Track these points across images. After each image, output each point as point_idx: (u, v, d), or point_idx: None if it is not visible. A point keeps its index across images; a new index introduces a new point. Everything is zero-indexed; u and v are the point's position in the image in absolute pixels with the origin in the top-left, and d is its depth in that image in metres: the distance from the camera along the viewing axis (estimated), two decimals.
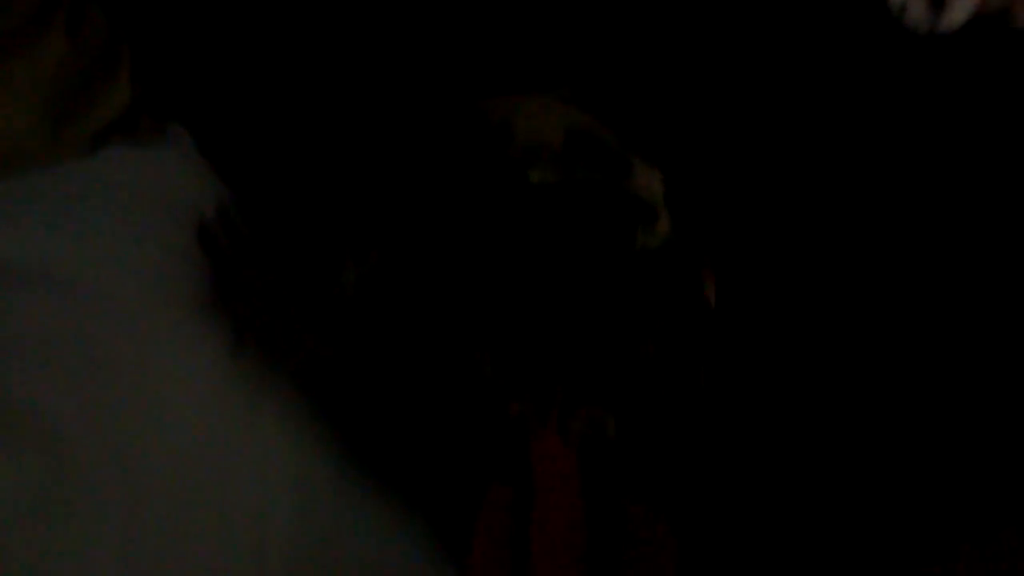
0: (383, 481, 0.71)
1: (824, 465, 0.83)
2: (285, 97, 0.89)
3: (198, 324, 0.70)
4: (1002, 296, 0.88)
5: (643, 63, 0.85)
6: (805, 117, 0.91)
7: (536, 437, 0.68)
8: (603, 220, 0.63)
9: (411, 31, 0.85)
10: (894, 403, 0.86)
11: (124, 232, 0.74)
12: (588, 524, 0.65)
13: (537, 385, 0.62)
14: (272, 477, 0.66)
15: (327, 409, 0.70)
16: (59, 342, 0.64)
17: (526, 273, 0.61)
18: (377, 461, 0.70)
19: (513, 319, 0.61)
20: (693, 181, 0.72)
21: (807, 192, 0.90)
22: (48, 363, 0.63)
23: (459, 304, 0.61)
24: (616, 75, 0.83)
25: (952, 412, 0.86)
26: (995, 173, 0.92)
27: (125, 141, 0.88)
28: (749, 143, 0.86)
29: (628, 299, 0.63)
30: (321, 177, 0.75)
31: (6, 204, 0.73)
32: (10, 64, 0.81)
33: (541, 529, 0.65)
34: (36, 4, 0.83)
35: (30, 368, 0.62)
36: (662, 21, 0.87)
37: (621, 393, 0.64)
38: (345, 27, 0.89)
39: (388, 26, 0.87)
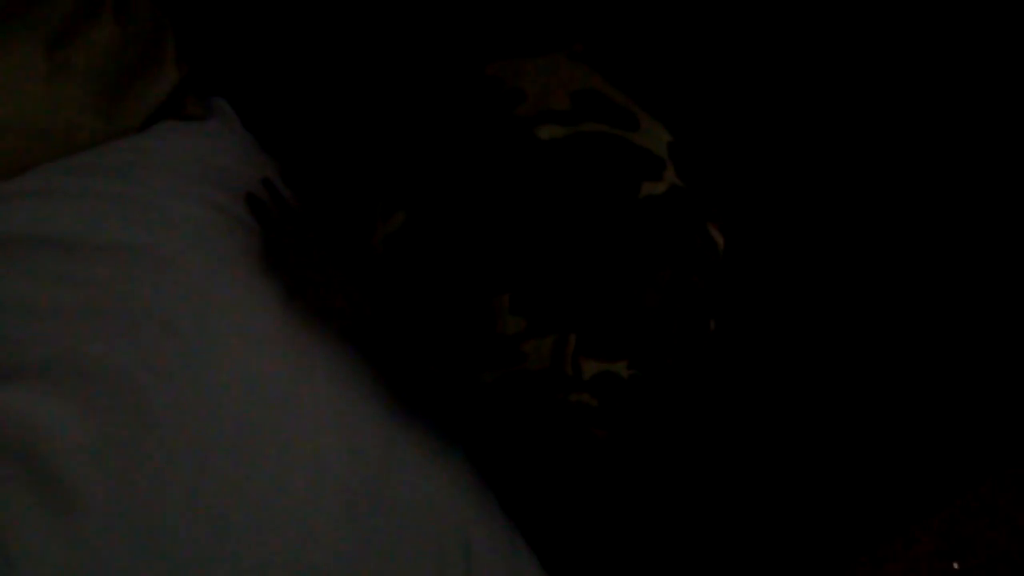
0: (424, 422, 0.76)
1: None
2: (319, 72, 0.93)
3: (251, 282, 0.75)
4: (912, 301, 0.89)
5: (651, 23, 0.86)
6: (811, 80, 0.92)
7: None
8: (608, 170, 0.66)
9: (423, 6, 0.88)
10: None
11: (178, 199, 0.78)
12: None
13: (552, 329, 0.66)
14: (323, 421, 0.70)
15: (371, 356, 0.75)
16: (126, 304, 0.69)
17: (539, 223, 0.64)
18: (416, 403, 0.75)
19: (527, 267, 0.64)
20: (701, 135, 0.74)
21: (811, 154, 0.91)
22: (118, 323, 0.68)
23: (477, 254, 0.65)
24: (625, 34, 0.86)
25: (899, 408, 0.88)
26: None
27: (173, 118, 0.93)
28: (756, 101, 0.87)
29: (636, 245, 0.66)
30: (351, 145, 0.79)
31: (67, 180, 0.78)
32: (65, 51, 0.85)
33: None
34: None
35: (102, 328, 0.67)
36: None
37: (633, 337, 0.67)
38: (365, 5, 0.92)
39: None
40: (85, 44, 0.87)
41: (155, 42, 0.94)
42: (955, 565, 1.15)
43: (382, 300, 0.71)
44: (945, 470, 0.92)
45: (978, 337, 0.91)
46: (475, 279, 0.65)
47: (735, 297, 0.82)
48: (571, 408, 0.69)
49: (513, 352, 0.67)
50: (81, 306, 0.68)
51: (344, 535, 0.66)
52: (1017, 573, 1.15)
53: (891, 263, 0.88)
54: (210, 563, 0.60)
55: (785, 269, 0.86)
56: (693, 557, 0.81)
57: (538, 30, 0.83)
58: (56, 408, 0.62)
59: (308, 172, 0.87)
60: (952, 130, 0.90)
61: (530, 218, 0.64)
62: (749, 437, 0.83)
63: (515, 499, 0.78)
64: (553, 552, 0.79)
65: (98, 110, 0.87)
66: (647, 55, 0.82)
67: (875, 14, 0.89)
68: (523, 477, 0.78)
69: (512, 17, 0.84)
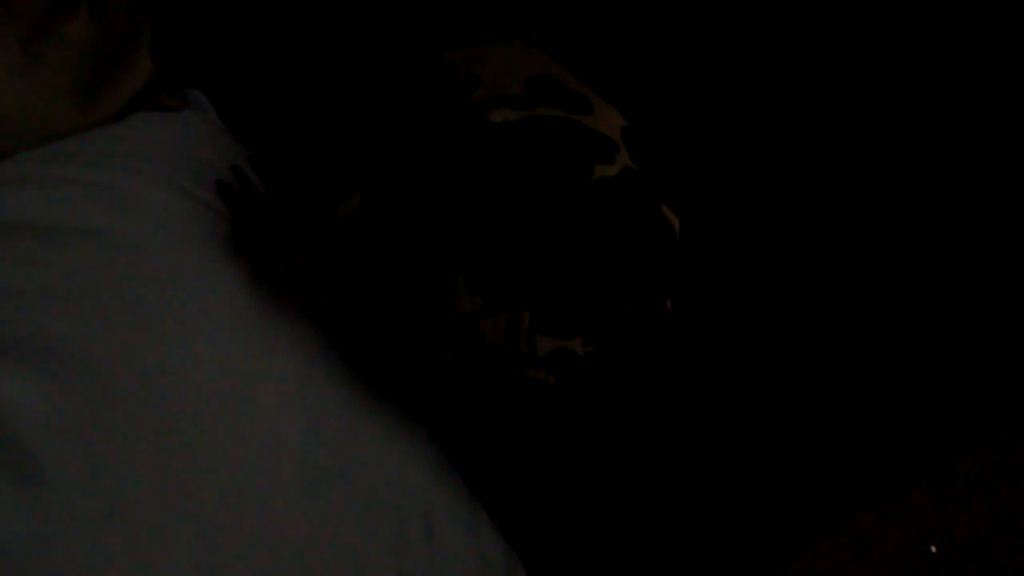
0: (386, 400, 0.78)
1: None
2: (287, 63, 0.95)
3: (217, 264, 0.76)
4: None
5: (607, 11, 0.88)
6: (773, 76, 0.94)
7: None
8: (561, 153, 0.68)
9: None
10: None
11: (150, 186, 0.80)
12: None
13: (507, 307, 0.68)
14: (285, 399, 0.72)
15: (333, 336, 0.77)
16: (93, 286, 0.71)
17: (493, 204, 0.66)
18: (378, 381, 0.77)
19: (482, 246, 0.66)
20: (655, 120, 0.76)
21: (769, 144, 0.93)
22: (84, 304, 0.69)
23: (433, 234, 0.67)
24: (582, 22, 0.88)
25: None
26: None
27: (149, 109, 0.95)
28: (711, 85, 0.89)
29: (588, 225, 0.68)
30: (315, 131, 0.82)
31: (40, 168, 0.80)
32: (40, 45, 0.87)
33: None
34: None
35: (69, 310, 0.69)
36: None
37: (587, 315, 0.69)
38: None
39: None
40: (60, 37, 0.88)
41: (130, 35, 0.96)
42: (932, 549, 1.16)
43: (343, 282, 0.73)
44: (913, 446, 0.94)
45: (945, 308, 0.92)
46: (431, 258, 0.67)
47: (692, 277, 0.84)
48: (528, 384, 0.71)
49: (470, 330, 0.69)
50: (48, 288, 0.70)
51: (304, 509, 0.67)
52: (997, 556, 1.16)
53: (848, 241, 0.90)
54: (173, 534, 0.62)
55: (742, 250, 0.88)
56: (653, 531, 0.83)
57: (496, 19, 0.86)
58: (23, 385, 0.64)
59: (277, 160, 0.89)
60: (900, 98, 0.92)
61: (484, 199, 0.66)
62: (707, 414, 0.85)
63: (477, 475, 0.80)
64: (515, 526, 0.81)
65: (73, 101, 0.89)
66: (603, 43, 0.84)
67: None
68: (484, 453, 0.80)
69: (471, 6, 0.86)
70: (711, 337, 0.88)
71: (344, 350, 0.76)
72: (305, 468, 0.69)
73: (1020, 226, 0.93)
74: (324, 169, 0.75)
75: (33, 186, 0.78)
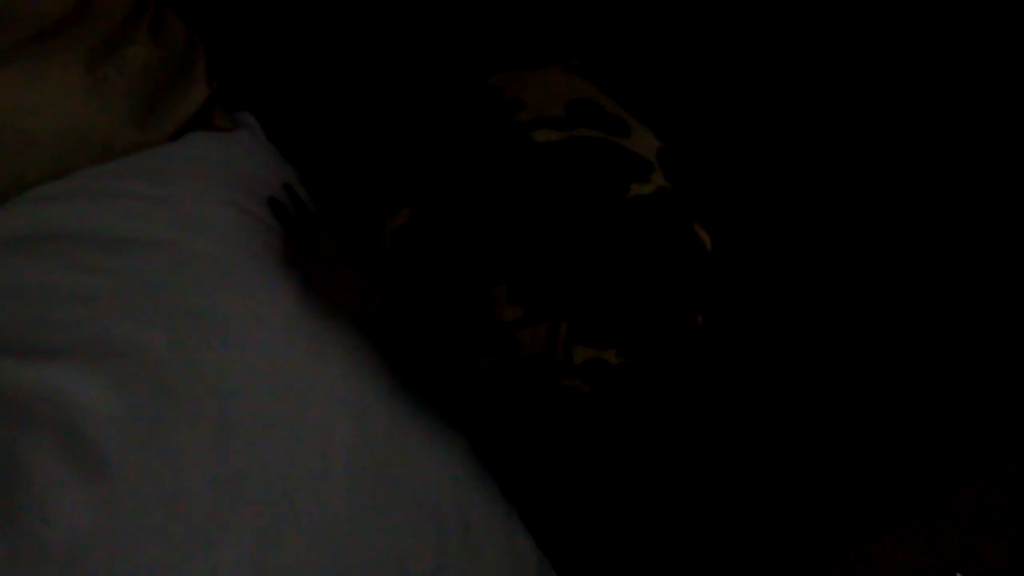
0: (428, 407, 0.82)
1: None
2: (337, 87, 1.00)
3: (270, 276, 0.81)
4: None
5: (644, 38, 0.92)
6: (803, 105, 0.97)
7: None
8: (599, 171, 0.72)
9: (439, 20, 0.95)
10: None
11: (205, 201, 0.85)
12: None
13: (545, 317, 0.71)
14: (334, 402, 0.75)
15: (379, 345, 0.81)
16: (155, 293, 0.75)
17: (533, 219, 0.70)
18: (421, 388, 0.81)
19: (522, 258, 0.70)
20: (689, 142, 0.79)
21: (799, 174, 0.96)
22: (147, 310, 0.73)
23: (477, 247, 0.71)
24: (619, 49, 0.92)
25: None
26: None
27: (203, 129, 1.01)
28: (743, 109, 0.92)
29: (623, 240, 0.71)
30: (365, 151, 0.86)
31: (105, 183, 0.85)
32: (104, 68, 0.92)
33: None
34: (125, 13, 0.95)
35: (132, 315, 0.73)
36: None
37: (621, 326, 0.73)
38: (383, 23, 1.00)
39: (420, 18, 0.97)
40: (123, 61, 0.93)
41: (187, 60, 1.02)
42: (957, 574, 1.16)
43: (390, 293, 0.77)
44: (935, 465, 0.95)
45: (973, 329, 0.94)
46: (474, 270, 0.71)
47: (724, 293, 0.87)
48: (564, 392, 0.74)
49: (510, 339, 0.72)
50: (114, 294, 0.74)
51: (350, 508, 0.71)
52: None
53: (877, 258, 0.92)
54: (231, 522, 0.65)
55: (773, 268, 0.91)
56: (686, 542, 0.85)
57: (538, 46, 0.90)
58: (90, 385, 0.68)
59: (325, 178, 0.93)
60: (935, 124, 0.94)
61: (525, 214, 0.70)
62: (738, 428, 0.88)
63: (512, 480, 0.83)
64: (547, 532, 0.84)
65: (134, 121, 0.94)
66: (640, 68, 0.88)
67: (855, 26, 0.94)
68: (519, 458, 0.83)
69: (515, 34, 0.90)
70: (741, 351, 0.90)
71: (390, 357, 0.80)
72: (352, 466, 0.73)
73: None
74: (373, 185, 0.79)
75: (99, 199, 0.83)
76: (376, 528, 0.71)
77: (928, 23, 0.93)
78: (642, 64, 0.89)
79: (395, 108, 0.87)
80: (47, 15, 0.89)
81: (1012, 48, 0.93)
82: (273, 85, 1.06)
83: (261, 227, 0.86)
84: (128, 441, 0.67)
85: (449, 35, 0.93)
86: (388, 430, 0.77)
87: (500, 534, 0.80)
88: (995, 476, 1.07)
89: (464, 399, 0.79)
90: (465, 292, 0.71)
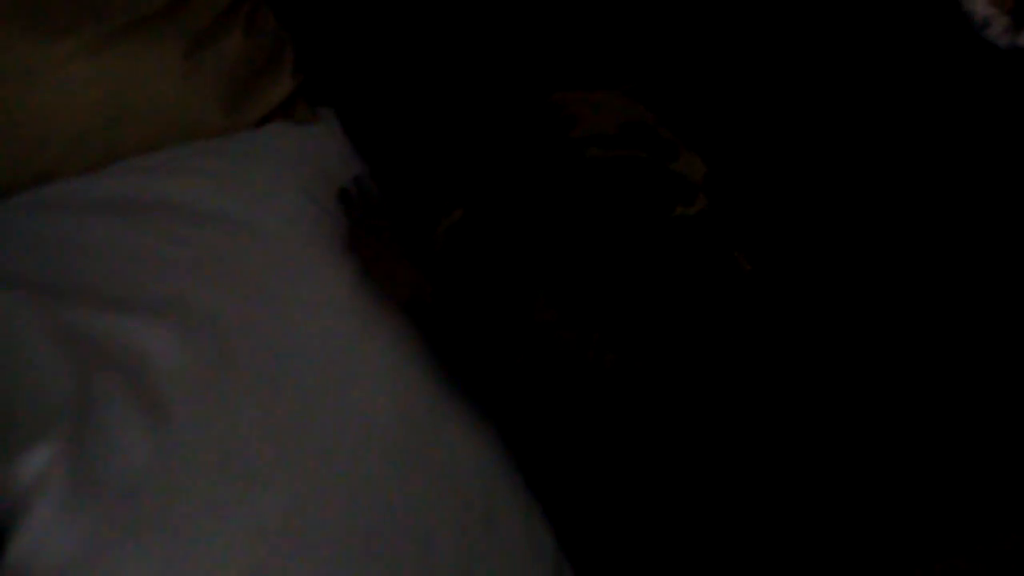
0: (464, 398, 0.87)
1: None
2: (410, 90, 1.07)
3: (332, 260, 0.87)
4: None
5: (697, 69, 0.97)
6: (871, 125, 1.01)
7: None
8: (645, 190, 0.77)
9: (505, 40, 1.02)
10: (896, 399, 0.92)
11: (281, 185, 0.92)
12: None
13: (579, 323, 0.76)
14: (378, 379, 0.81)
15: (424, 333, 0.87)
16: (227, 264, 0.82)
17: (578, 228, 0.75)
18: (459, 378, 0.86)
19: (563, 266, 0.75)
20: (734, 172, 0.84)
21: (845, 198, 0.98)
22: (219, 278, 0.81)
23: (521, 250, 0.76)
24: (675, 77, 0.96)
25: (952, 412, 0.92)
26: None
27: (285, 120, 1.09)
28: (790, 139, 0.96)
29: (663, 258, 0.76)
30: (429, 153, 0.93)
31: (192, 160, 0.93)
32: (200, 55, 1.00)
33: None
34: (223, 7, 1.02)
35: (205, 281, 0.80)
36: (718, 32, 0.99)
37: (650, 342, 0.77)
38: (453, 37, 1.06)
39: (488, 35, 1.04)
40: (217, 51, 1.01)
41: (276, 54, 1.09)
42: None
43: (440, 285, 0.83)
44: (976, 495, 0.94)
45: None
46: (516, 271, 0.77)
47: (761, 322, 0.90)
48: (593, 394, 0.79)
49: (545, 338, 0.78)
50: (191, 262, 0.82)
51: (383, 477, 0.76)
52: None
53: (927, 283, 0.94)
54: (273, 480, 0.71)
55: (811, 297, 0.93)
56: (710, 549, 0.88)
57: (602, 70, 0.95)
58: (161, 338, 0.75)
59: (393, 175, 1.00)
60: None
61: (569, 223, 0.76)
62: (769, 445, 0.90)
63: (537, 480, 0.88)
64: (569, 535, 0.88)
65: (222, 107, 1.02)
66: (692, 96, 0.93)
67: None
68: (546, 459, 0.88)
69: (578, 58, 0.96)
70: (774, 379, 0.93)
71: (434, 346, 0.86)
72: (389, 440, 0.78)
73: None
74: (432, 185, 0.86)
75: (184, 174, 0.92)
76: (405, 499, 0.76)
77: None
78: (695, 92, 0.94)
79: (463, 114, 0.93)
80: (153, 2, 0.98)
81: None
82: (353, 84, 1.13)
83: (328, 215, 0.92)
84: (189, 392, 0.74)
85: (521, 54, 0.99)
86: (426, 412, 0.82)
87: (522, 525, 0.84)
88: None
89: (498, 392, 0.84)
90: (506, 290, 0.77)
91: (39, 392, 0.69)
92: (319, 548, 0.71)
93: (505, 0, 1.06)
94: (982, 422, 0.92)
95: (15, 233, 0.83)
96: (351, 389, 0.80)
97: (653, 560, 0.88)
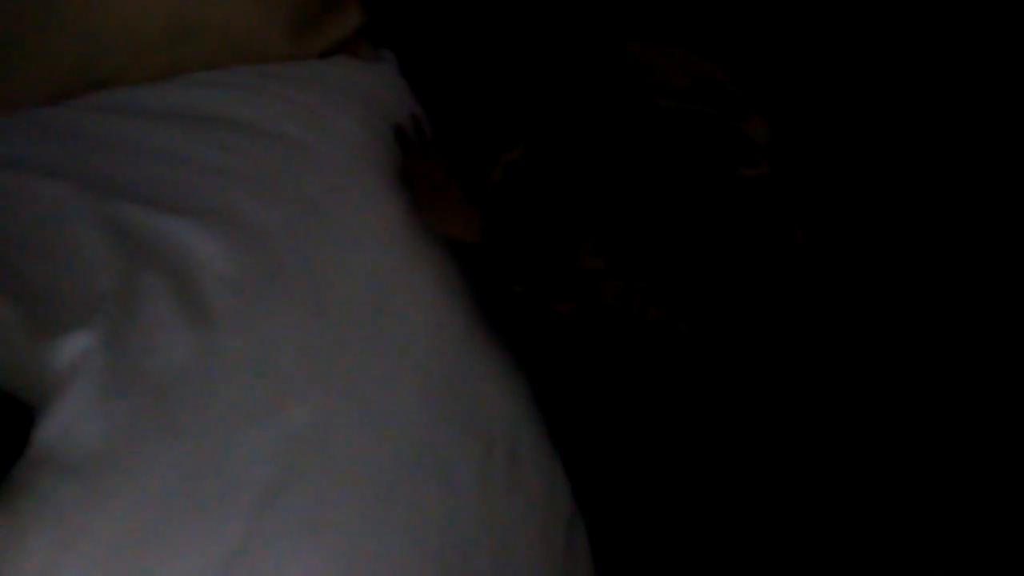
0: (499, 341, 0.87)
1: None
2: (475, 36, 1.07)
3: (384, 188, 0.87)
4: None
5: (778, 35, 0.95)
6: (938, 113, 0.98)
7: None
8: (713, 146, 0.76)
9: None
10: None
11: (340, 113, 0.93)
12: None
13: (626, 274, 0.75)
14: (417, 311, 0.81)
15: (467, 272, 0.87)
16: (278, 179, 0.82)
17: (639, 178, 0.74)
18: (495, 321, 0.86)
19: (619, 214, 0.75)
20: (799, 142, 0.82)
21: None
22: (271, 192, 0.81)
23: (576, 192, 0.76)
24: (749, 39, 0.95)
25: (958, 417, 0.90)
26: None
27: (349, 55, 1.09)
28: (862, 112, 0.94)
29: (721, 217, 0.75)
30: (491, 93, 0.92)
31: (254, 80, 0.93)
32: None
33: None
34: None
35: (255, 192, 0.80)
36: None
37: (694, 302, 0.76)
38: None
39: None
40: None
41: None
42: None
43: (491, 224, 0.83)
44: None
45: None
46: (570, 214, 0.76)
47: (806, 299, 0.88)
48: (632, 347, 0.79)
49: (590, 287, 0.77)
50: (245, 173, 0.82)
51: (413, 407, 0.76)
52: None
53: (977, 283, 0.91)
54: (304, 394, 0.71)
55: (867, 272, 0.91)
56: (718, 532, 0.87)
57: (680, 28, 0.94)
58: (210, 244, 0.75)
59: (452, 115, 1.00)
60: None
61: (630, 171, 0.75)
62: (781, 435, 0.89)
63: (559, 433, 0.88)
64: (585, 488, 0.87)
65: (289, 35, 1.01)
66: (766, 61, 0.91)
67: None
68: (571, 410, 0.88)
69: (654, 13, 0.95)
70: (820, 354, 0.91)
71: (476, 285, 0.85)
72: (421, 371, 0.78)
73: None
74: (495, 122, 0.85)
75: (247, 92, 0.92)
76: (431, 433, 0.76)
77: None
78: (768, 57, 0.93)
79: (530, 57, 0.92)
80: None
81: None
82: (415, 27, 1.13)
83: (384, 146, 0.92)
84: (233, 299, 0.74)
85: (596, 4, 0.99)
86: (460, 349, 0.82)
87: (542, 473, 0.84)
88: None
89: (535, 338, 0.84)
90: (555, 232, 0.76)
91: (85, 278, 0.70)
92: (343, 467, 0.71)
93: None
94: (987, 428, 0.90)
95: (76, 133, 0.84)
96: (390, 318, 0.80)
97: (666, 526, 0.87)
